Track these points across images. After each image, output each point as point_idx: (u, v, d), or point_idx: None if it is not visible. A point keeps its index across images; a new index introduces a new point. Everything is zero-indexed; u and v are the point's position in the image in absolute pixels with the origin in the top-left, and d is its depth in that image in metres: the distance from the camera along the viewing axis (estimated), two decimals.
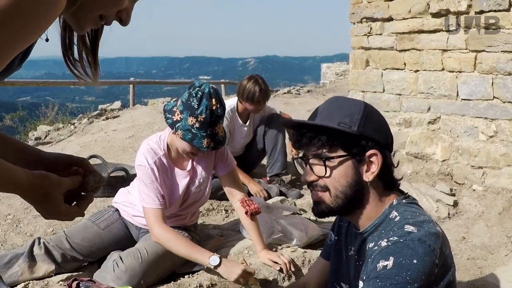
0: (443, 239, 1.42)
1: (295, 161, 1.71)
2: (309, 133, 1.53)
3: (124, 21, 1.07)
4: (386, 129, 1.59)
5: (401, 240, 1.36)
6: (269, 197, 4.02)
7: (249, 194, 3.91)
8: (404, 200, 1.56)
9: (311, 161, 1.55)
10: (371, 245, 1.51)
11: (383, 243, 1.40)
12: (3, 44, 0.82)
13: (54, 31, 1.06)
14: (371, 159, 1.51)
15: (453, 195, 4.09)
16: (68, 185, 1.10)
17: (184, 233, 2.74)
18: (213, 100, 2.45)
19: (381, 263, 1.34)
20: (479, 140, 4.17)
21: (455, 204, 3.98)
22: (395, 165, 1.62)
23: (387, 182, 1.58)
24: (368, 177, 1.52)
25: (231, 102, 4.22)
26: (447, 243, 1.47)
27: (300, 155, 1.63)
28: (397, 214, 1.49)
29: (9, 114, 10.75)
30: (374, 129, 1.53)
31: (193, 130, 2.45)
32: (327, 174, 1.52)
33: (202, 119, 2.43)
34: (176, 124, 2.49)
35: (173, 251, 2.51)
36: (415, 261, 1.30)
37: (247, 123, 4.37)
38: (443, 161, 4.40)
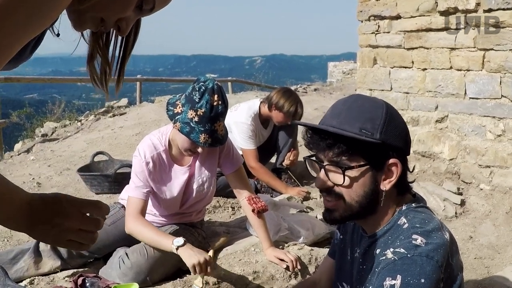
0: (450, 246, 1.39)
1: (306, 161, 1.61)
2: (328, 140, 1.43)
3: (122, 31, 1.04)
4: (406, 133, 1.52)
5: (408, 255, 1.32)
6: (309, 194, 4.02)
7: (257, 192, 3.90)
8: (413, 205, 1.51)
9: (327, 167, 1.47)
10: (377, 251, 1.47)
11: (389, 254, 1.36)
12: (12, 32, 0.79)
13: (61, 28, 1.05)
14: (390, 168, 1.45)
15: (460, 194, 4.08)
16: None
17: (175, 228, 2.74)
18: (215, 96, 2.40)
19: (388, 282, 1.30)
20: (487, 139, 4.14)
21: (462, 203, 3.96)
22: (411, 170, 1.56)
23: (401, 188, 1.52)
24: (385, 186, 1.46)
25: (251, 104, 4.21)
26: (454, 248, 1.43)
27: (313, 155, 1.55)
28: (405, 221, 1.45)
29: (16, 111, 10.83)
30: (396, 135, 1.45)
31: (191, 124, 2.41)
32: (345, 184, 1.44)
33: (201, 113, 2.38)
34: (176, 116, 2.46)
35: (143, 241, 2.52)
36: (422, 280, 1.26)
37: (267, 129, 4.37)
38: (451, 160, 4.38)
